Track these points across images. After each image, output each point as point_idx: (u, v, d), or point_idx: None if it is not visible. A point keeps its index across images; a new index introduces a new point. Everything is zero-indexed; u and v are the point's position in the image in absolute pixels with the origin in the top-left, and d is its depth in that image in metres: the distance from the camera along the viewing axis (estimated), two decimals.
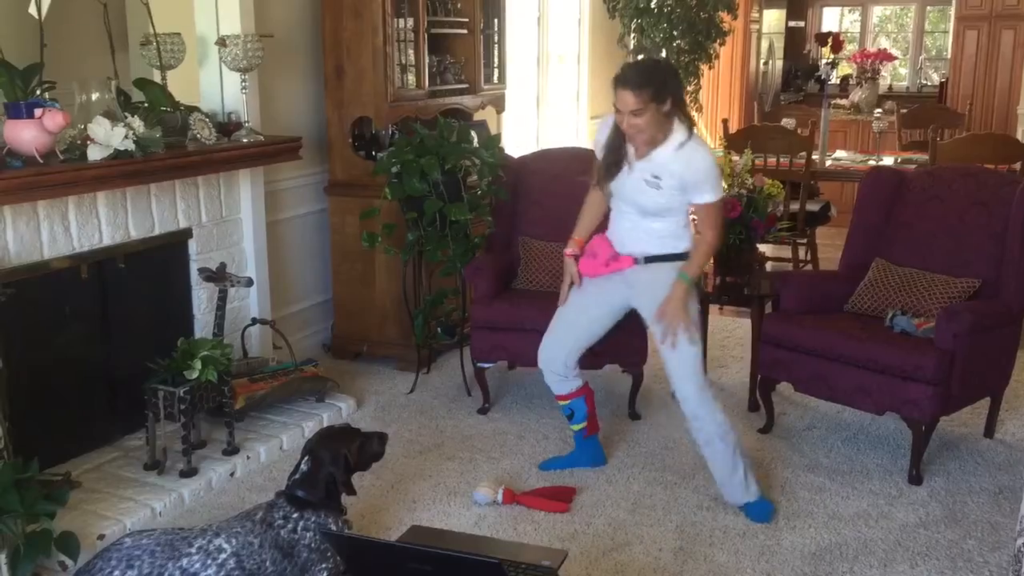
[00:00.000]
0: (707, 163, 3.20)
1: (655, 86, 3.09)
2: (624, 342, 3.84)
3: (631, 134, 3.17)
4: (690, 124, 3.23)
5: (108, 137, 3.24)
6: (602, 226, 3.51)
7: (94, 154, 3.22)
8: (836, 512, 3.39)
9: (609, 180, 3.30)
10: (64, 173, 3.16)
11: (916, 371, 3.48)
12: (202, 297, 4.02)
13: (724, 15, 7.42)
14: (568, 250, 3.51)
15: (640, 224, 3.32)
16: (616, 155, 3.28)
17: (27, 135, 3.05)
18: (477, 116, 5.38)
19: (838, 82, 10.56)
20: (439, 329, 4.72)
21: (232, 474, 3.62)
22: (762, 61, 9.64)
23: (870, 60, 9.49)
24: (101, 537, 3.06)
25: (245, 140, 3.92)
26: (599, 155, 3.37)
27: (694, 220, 3.36)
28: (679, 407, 3.40)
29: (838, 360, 3.69)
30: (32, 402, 3.33)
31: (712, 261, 4.36)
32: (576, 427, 3.67)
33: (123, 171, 3.34)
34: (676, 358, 3.27)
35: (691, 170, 3.17)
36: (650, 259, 3.32)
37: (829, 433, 4.04)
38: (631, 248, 3.35)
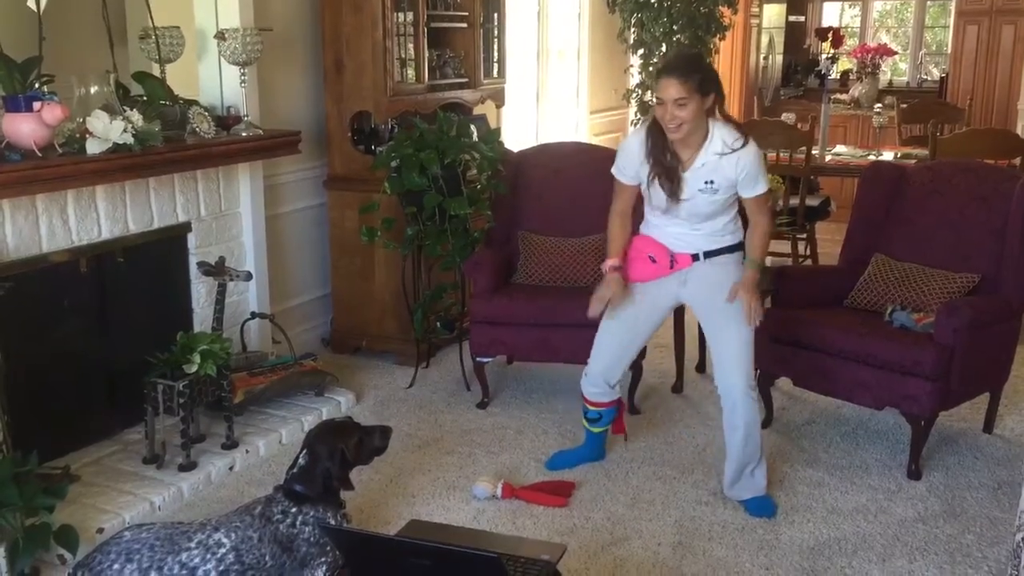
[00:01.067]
0: (755, 155, 3.19)
1: (701, 76, 3.07)
2: None
3: (671, 128, 3.09)
4: (737, 125, 3.23)
5: (107, 131, 3.23)
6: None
7: (93, 148, 3.22)
8: (835, 507, 3.39)
9: (666, 194, 3.21)
10: (63, 167, 3.15)
11: (915, 366, 3.48)
12: (201, 291, 4.02)
13: (724, 9, 7.41)
14: (610, 263, 3.36)
15: (691, 228, 3.30)
16: (664, 167, 3.20)
17: (26, 128, 3.04)
18: (477, 110, 5.37)
19: (838, 77, 10.55)
20: (438, 324, 4.72)
21: (231, 468, 3.62)
22: (762, 56, 9.62)
23: (870, 55, 9.48)
24: (100, 531, 3.06)
25: (244, 134, 3.91)
26: (635, 170, 3.28)
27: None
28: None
29: (837, 355, 3.69)
30: (31, 396, 3.32)
31: None
32: (597, 430, 3.64)
33: (122, 165, 3.33)
34: (733, 345, 3.25)
35: (741, 165, 3.16)
36: (709, 254, 3.31)
37: (828, 428, 4.05)
38: (686, 248, 3.32)
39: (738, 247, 3.33)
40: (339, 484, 2.83)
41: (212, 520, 2.72)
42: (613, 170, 3.39)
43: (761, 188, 3.23)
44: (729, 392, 3.27)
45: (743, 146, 3.16)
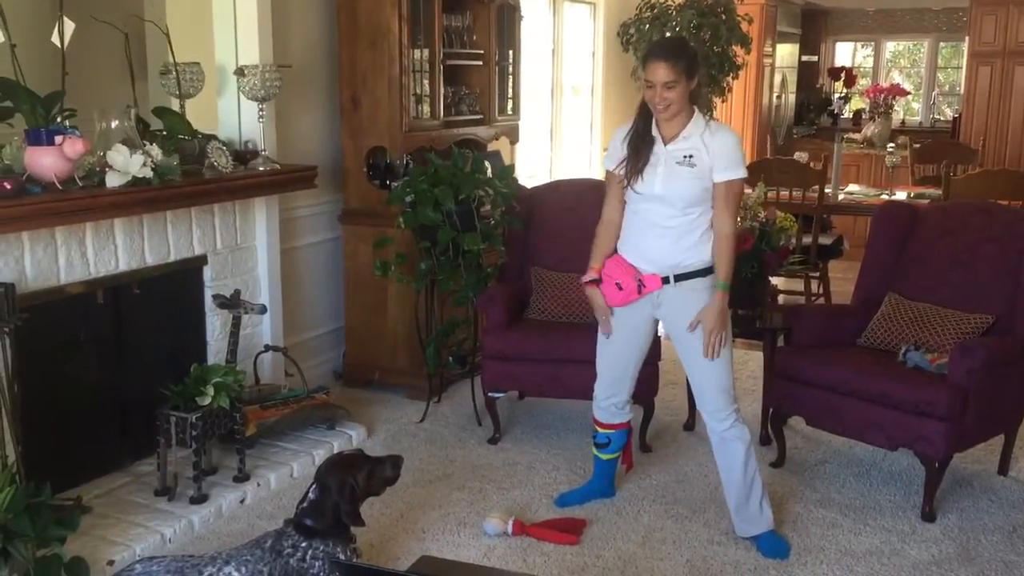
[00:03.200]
0: (734, 138, 3.22)
1: (688, 59, 3.14)
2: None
3: (660, 109, 3.14)
4: (710, 110, 3.26)
5: (126, 164, 3.27)
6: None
7: (112, 181, 3.26)
8: (848, 548, 3.36)
9: (639, 170, 3.21)
10: (82, 199, 3.19)
11: (929, 407, 3.46)
12: (216, 323, 4.04)
13: (737, 49, 7.46)
14: (587, 278, 3.39)
15: (666, 230, 3.22)
16: (645, 141, 3.23)
17: (47, 161, 3.08)
18: (491, 147, 5.41)
19: (851, 116, 10.61)
20: (450, 358, 4.72)
21: (242, 501, 3.61)
22: (775, 95, 9.68)
23: (883, 95, 9.53)
24: (111, 563, 3.06)
25: (261, 168, 3.95)
26: (620, 153, 3.30)
27: None
28: (705, 429, 3.38)
29: (851, 395, 3.67)
30: (45, 426, 3.34)
31: None
32: (606, 456, 3.64)
33: (140, 198, 3.37)
34: (708, 372, 3.24)
35: (718, 143, 3.17)
36: (679, 277, 3.23)
37: (841, 468, 4.02)
38: (658, 263, 3.25)
39: (711, 270, 3.24)
40: (349, 519, 2.81)
41: (223, 553, 2.72)
42: (604, 162, 3.44)
43: (736, 173, 3.19)
44: (714, 422, 3.28)
45: (723, 128, 3.23)
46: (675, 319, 3.30)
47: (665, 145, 3.20)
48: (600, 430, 3.60)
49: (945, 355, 3.60)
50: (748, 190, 4.54)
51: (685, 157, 3.17)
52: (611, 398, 3.52)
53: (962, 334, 3.74)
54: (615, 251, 3.37)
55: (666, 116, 3.18)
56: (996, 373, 3.53)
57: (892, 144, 9.14)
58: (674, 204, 3.19)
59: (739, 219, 4.35)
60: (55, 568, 2.81)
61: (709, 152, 3.16)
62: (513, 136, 5.63)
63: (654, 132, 3.23)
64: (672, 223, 3.21)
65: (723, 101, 7.76)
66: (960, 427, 3.47)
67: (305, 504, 2.82)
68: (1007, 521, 3.57)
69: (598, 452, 3.65)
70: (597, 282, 3.37)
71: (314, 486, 2.84)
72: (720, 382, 3.24)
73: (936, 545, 3.39)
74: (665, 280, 3.25)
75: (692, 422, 4.44)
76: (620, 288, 3.31)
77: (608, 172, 3.39)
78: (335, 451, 3.97)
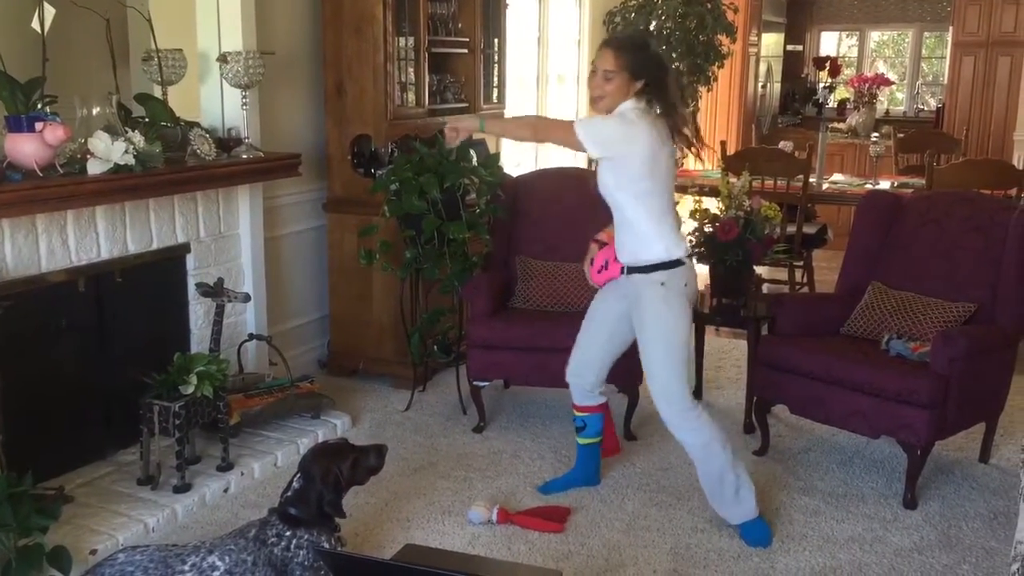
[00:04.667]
0: (607, 120, 3.14)
1: (637, 58, 3.10)
2: (620, 361, 3.83)
3: (593, 96, 3.18)
4: (647, 104, 3.15)
5: (108, 151, 3.25)
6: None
7: (94, 168, 3.23)
8: (831, 535, 3.38)
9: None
10: (63, 187, 3.17)
11: (911, 395, 3.48)
12: (199, 312, 4.02)
13: (723, 38, 7.47)
14: (599, 237, 3.49)
15: (617, 220, 3.28)
16: None
17: (28, 148, 3.06)
18: (476, 135, 5.38)
19: (835, 106, 10.64)
20: (435, 347, 4.72)
21: (226, 490, 3.60)
22: (760, 84, 9.69)
23: (867, 84, 9.56)
24: (93, 552, 3.04)
25: (245, 156, 3.93)
26: None
27: None
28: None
29: (834, 383, 3.69)
30: (27, 415, 3.32)
31: (709, 283, 4.37)
32: (584, 441, 3.66)
33: (122, 185, 3.35)
34: (650, 366, 3.27)
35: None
36: (630, 270, 3.27)
37: (824, 456, 4.04)
38: (619, 252, 3.31)
39: (654, 268, 3.20)
40: (331, 509, 2.81)
41: (206, 543, 2.72)
42: None
43: (579, 121, 3.18)
44: (665, 417, 3.30)
45: (623, 111, 3.15)
46: (632, 311, 3.32)
47: None
48: (576, 413, 3.63)
49: (927, 344, 3.62)
50: (733, 179, 4.55)
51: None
52: (582, 376, 3.55)
53: (944, 323, 3.77)
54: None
55: (595, 108, 3.20)
56: (977, 361, 3.55)
57: (876, 134, 9.14)
58: (607, 196, 3.24)
59: (723, 208, 4.40)
60: (37, 558, 2.79)
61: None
62: None
63: None
64: (615, 214, 3.28)
65: (708, 90, 7.77)
66: (942, 415, 3.50)
67: (289, 493, 2.82)
68: (988, 508, 3.60)
69: (577, 436, 3.68)
70: (600, 243, 3.47)
71: (298, 475, 2.84)
72: (659, 378, 3.24)
73: (918, 532, 3.42)
74: (622, 270, 3.31)
75: None
76: (605, 267, 3.38)
77: None
78: (319, 440, 3.97)
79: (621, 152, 3.12)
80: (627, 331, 3.43)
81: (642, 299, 3.25)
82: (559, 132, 3.29)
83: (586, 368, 3.54)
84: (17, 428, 3.16)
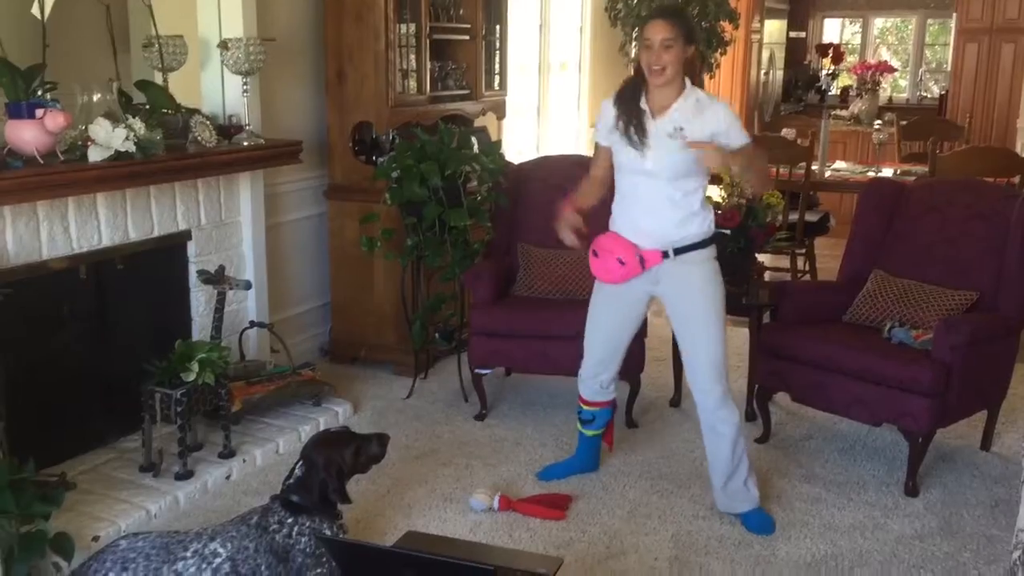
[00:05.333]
0: (726, 109, 3.20)
1: (687, 24, 3.16)
2: None
3: (656, 71, 3.10)
4: (702, 86, 3.25)
5: (109, 138, 3.24)
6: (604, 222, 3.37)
7: (94, 155, 3.22)
8: (832, 523, 3.38)
9: (630, 140, 3.17)
10: (64, 174, 3.16)
11: (913, 383, 3.48)
12: (200, 299, 4.02)
13: (725, 25, 7.44)
14: (566, 205, 3.31)
15: (659, 206, 3.18)
16: (635, 116, 3.18)
17: (28, 135, 3.05)
18: (478, 122, 5.38)
19: (838, 93, 10.60)
20: (437, 335, 4.72)
21: (228, 477, 3.61)
22: (763, 71, 9.65)
23: (870, 71, 9.52)
24: (96, 539, 3.05)
25: (246, 143, 3.92)
26: (608, 128, 3.25)
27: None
28: (691, 405, 3.38)
29: (836, 371, 3.69)
30: (29, 402, 3.32)
31: None
32: (591, 432, 3.65)
33: (123, 172, 3.34)
34: (704, 350, 3.24)
35: (713, 117, 3.14)
36: (679, 251, 3.21)
37: (826, 443, 4.04)
38: (655, 238, 3.22)
39: (709, 242, 3.24)
40: (336, 496, 2.81)
41: (208, 530, 2.72)
42: (595, 136, 3.42)
43: (743, 139, 3.17)
44: (705, 400, 3.28)
45: (713, 101, 3.21)
46: (674, 294, 3.29)
47: (654, 119, 3.17)
48: (584, 407, 3.60)
49: (929, 331, 3.62)
50: (735, 167, 4.53)
51: (676, 129, 3.13)
52: (598, 376, 3.52)
53: (946, 310, 3.76)
54: (608, 228, 3.34)
55: (659, 82, 3.13)
56: (979, 349, 3.55)
57: (879, 121, 9.14)
58: (665, 179, 3.16)
59: (724, 197, 4.39)
60: (39, 544, 2.79)
61: (705, 125, 3.13)
62: (500, 112, 5.59)
63: (643, 104, 3.19)
64: (664, 199, 3.18)
65: (711, 77, 7.74)
66: (943, 403, 3.50)
67: (292, 480, 2.82)
68: (989, 496, 3.60)
69: (582, 428, 3.66)
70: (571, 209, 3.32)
71: (300, 463, 2.84)
72: (713, 358, 3.24)
73: (919, 519, 3.42)
74: (664, 255, 3.22)
75: (678, 398, 4.45)
76: (622, 263, 3.25)
77: (598, 145, 3.37)
78: (321, 427, 3.97)
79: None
80: (639, 318, 3.46)
81: (692, 278, 3.23)
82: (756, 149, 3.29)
83: (609, 365, 3.52)
84: (19, 415, 3.16)
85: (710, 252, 3.25)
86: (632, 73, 3.27)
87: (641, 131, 3.16)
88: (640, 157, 3.17)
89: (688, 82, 3.19)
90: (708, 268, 3.25)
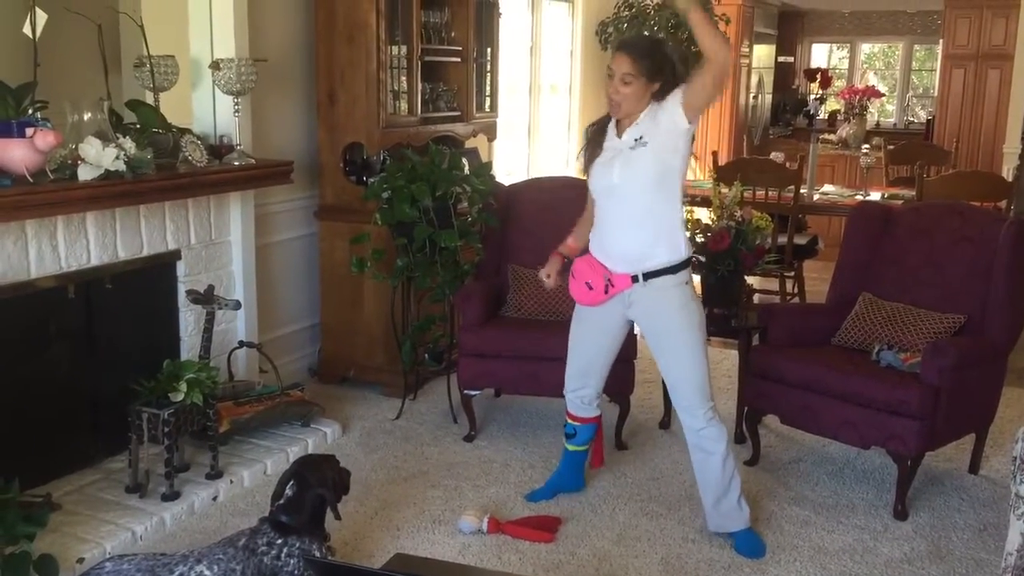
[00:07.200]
0: (673, 94, 3.11)
1: (654, 62, 3.10)
2: (613, 370, 3.82)
3: (613, 101, 3.14)
4: None
5: (99, 157, 3.23)
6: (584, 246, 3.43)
7: (84, 174, 3.22)
8: (821, 546, 3.38)
9: (593, 161, 3.24)
10: (54, 192, 3.15)
11: (902, 405, 3.49)
12: (189, 319, 4.00)
13: None
14: (559, 250, 3.47)
15: (628, 225, 3.19)
16: (600, 135, 3.27)
17: (17, 154, 3.04)
18: (468, 144, 5.40)
19: (826, 117, 10.69)
20: (426, 355, 4.71)
21: (215, 498, 3.58)
22: (752, 95, 9.73)
23: (858, 96, 9.59)
24: (80, 561, 3.02)
25: (236, 163, 3.93)
26: (585, 159, 3.34)
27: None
28: (680, 427, 3.38)
29: (824, 393, 3.70)
30: (15, 421, 3.30)
31: (700, 292, 4.37)
32: (572, 447, 3.65)
33: (113, 192, 3.33)
34: (681, 369, 3.24)
35: (665, 112, 3.11)
36: (648, 275, 3.20)
37: (815, 466, 4.04)
38: (626, 260, 3.21)
39: (681, 267, 3.21)
40: (335, 512, 2.82)
41: (195, 551, 2.70)
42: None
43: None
44: (691, 420, 3.27)
45: (667, 97, 3.12)
46: (647, 318, 3.31)
47: (619, 137, 3.21)
48: (569, 420, 3.62)
49: (917, 354, 3.63)
50: (724, 189, 4.56)
51: (636, 140, 3.15)
52: (577, 391, 3.54)
53: (934, 334, 3.78)
54: (587, 250, 3.37)
55: (616, 114, 3.18)
56: (967, 372, 3.56)
57: (867, 145, 9.19)
58: (634, 194, 3.17)
59: (714, 219, 4.40)
60: (24, 566, 2.77)
61: (659, 122, 3.12)
62: (491, 133, 5.62)
63: (610, 128, 3.25)
64: (631, 218, 3.20)
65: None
66: (932, 426, 3.50)
67: (282, 501, 2.81)
68: (978, 519, 3.60)
69: (566, 443, 3.68)
70: (562, 256, 3.45)
71: (291, 483, 2.83)
72: (694, 379, 3.24)
73: (908, 543, 3.42)
74: (634, 279, 3.23)
75: (668, 420, 4.45)
76: (590, 288, 3.30)
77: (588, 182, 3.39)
78: (310, 449, 3.96)
79: (696, 120, 3.15)
80: (617, 339, 3.46)
81: (665, 302, 3.23)
82: (726, 52, 3.05)
83: (587, 381, 3.52)
84: (5, 434, 3.14)
85: (682, 277, 3.22)
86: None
87: (606, 149, 3.23)
88: (608, 173, 3.21)
89: (652, 101, 3.15)
90: (680, 292, 3.22)
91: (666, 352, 3.29)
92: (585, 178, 3.40)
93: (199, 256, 4.05)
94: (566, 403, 3.61)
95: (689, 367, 3.24)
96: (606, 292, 3.27)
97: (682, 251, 3.22)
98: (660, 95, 3.14)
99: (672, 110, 3.12)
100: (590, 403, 3.56)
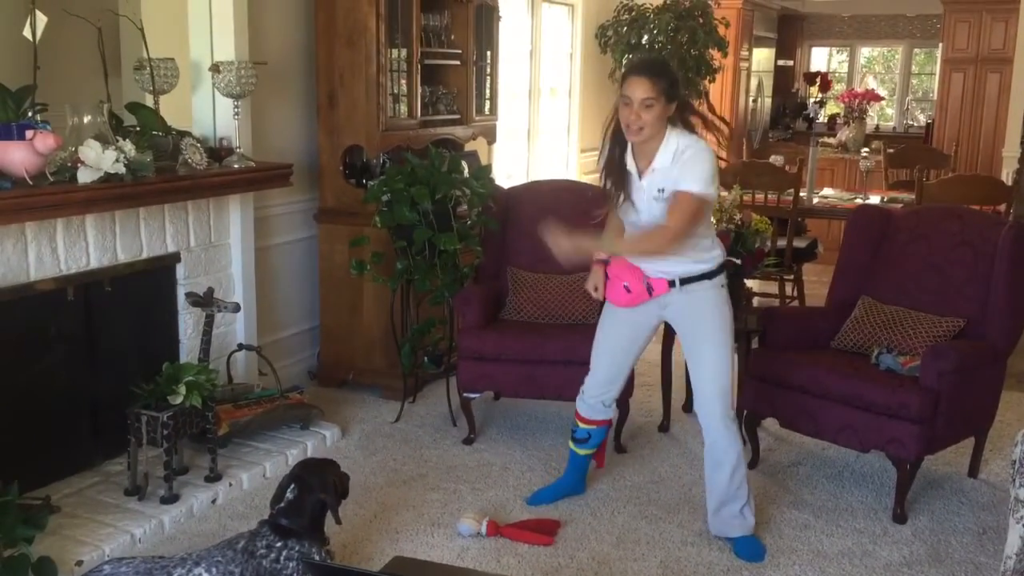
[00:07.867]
0: (701, 155, 3.08)
1: (669, 81, 3.08)
2: None
3: (634, 130, 3.06)
4: (693, 130, 3.17)
5: (99, 160, 3.23)
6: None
7: (84, 177, 3.22)
8: (821, 550, 3.38)
9: (620, 202, 3.21)
10: (53, 195, 3.15)
11: (901, 409, 3.49)
12: (188, 322, 4.00)
13: (714, 52, 7.51)
14: (598, 256, 3.38)
15: None
16: (619, 175, 3.20)
17: (17, 156, 3.04)
18: (468, 147, 5.40)
19: (826, 121, 10.70)
20: (426, 358, 4.71)
21: (214, 501, 3.58)
22: (751, 99, 9.74)
23: (857, 100, 9.61)
24: (79, 563, 3.02)
25: (236, 166, 3.92)
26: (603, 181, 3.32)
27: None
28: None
29: (824, 397, 3.69)
30: (14, 424, 3.30)
31: None
32: (583, 451, 3.65)
33: (113, 194, 3.33)
34: (708, 372, 3.25)
35: (683, 162, 3.08)
36: (685, 280, 3.24)
37: (814, 470, 4.04)
38: (662, 267, 3.24)
39: (716, 272, 3.27)
40: (335, 515, 2.82)
41: (193, 554, 2.70)
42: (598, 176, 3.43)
43: (689, 186, 3.04)
44: (709, 422, 3.28)
45: (694, 147, 3.10)
46: (683, 318, 3.33)
47: (640, 179, 3.18)
48: (581, 425, 3.60)
49: (917, 358, 3.63)
50: (724, 193, 4.56)
51: (659, 191, 3.13)
52: (602, 395, 3.52)
53: (934, 337, 3.78)
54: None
55: (637, 139, 3.11)
56: (967, 376, 3.56)
57: (866, 149, 9.22)
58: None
59: (714, 221, 4.40)
60: (22, 568, 2.77)
61: (676, 179, 3.09)
62: (490, 136, 5.62)
63: (629, 163, 3.19)
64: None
65: (699, 104, 7.80)
66: (931, 429, 3.50)
67: (283, 504, 2.80)
68: (977, 523, 3.60)
69: (575, 447, 3.65)
70: (604, 262, 3.39)
71: (292, 486, 2.83)
72: (719, 380, 3.25)
73: (907, 546, 3.41)
74: (671, 284, 3.26)
75: (667, 424, 4.45)
76: (628, 291, 3.30)
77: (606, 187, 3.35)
78: (309, 452, 3.96)
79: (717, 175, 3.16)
80: (646, 340, 3.49)
81: (702, 305, 3.26)
82: (689, 218, 3.07)
83: (614, 385, 3.52)
84: (3, 437, 3.13)
85: (718, 280, 3.28)
86: (612, 123, 3.20)
87: (630, 190, 3.19)
88: (636, 213, 3.22)
89: (669, 128, 3.12)
90: (716, 294, 3.28)
91: (696, 352, 3.31)
92: (600, 185, 3.37)
93: (199, 259, 4.05)
94: (578, 408, 3.58)
95: (715, 368, 3.25)
96: (649, 294, 3.28)
97: (718, 258, 3.29)
98: (676, 119, 3.13)
99: (679, 170, 3.09)
100: (610, 405, 3.57)
